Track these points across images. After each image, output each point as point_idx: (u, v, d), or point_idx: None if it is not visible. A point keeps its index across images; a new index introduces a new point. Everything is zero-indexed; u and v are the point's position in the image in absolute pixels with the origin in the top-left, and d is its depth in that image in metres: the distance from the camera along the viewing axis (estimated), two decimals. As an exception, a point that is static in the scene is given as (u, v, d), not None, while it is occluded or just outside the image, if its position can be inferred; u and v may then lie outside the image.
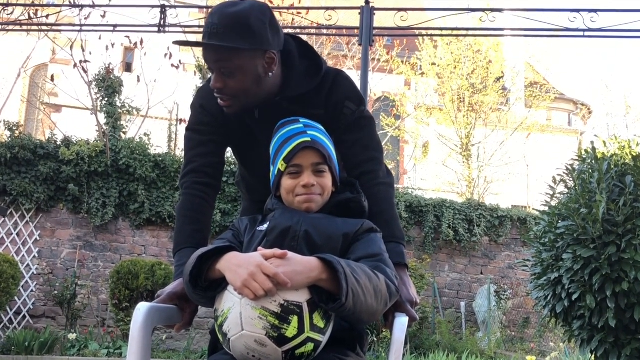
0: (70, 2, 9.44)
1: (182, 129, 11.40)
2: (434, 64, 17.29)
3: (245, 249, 1.85)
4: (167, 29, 7.77)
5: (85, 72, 10.57)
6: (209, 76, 2.12)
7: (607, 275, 3.97)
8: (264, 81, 1.99)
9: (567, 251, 4.21)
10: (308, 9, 9.84)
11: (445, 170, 17.30)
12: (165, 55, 11.00)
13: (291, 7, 10.51)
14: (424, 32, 10.62)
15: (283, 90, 2.04)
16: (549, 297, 4.49)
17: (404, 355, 1.78)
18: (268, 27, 1.94)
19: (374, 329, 8.32)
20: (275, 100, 2.04)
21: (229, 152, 2.39)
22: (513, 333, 11.42)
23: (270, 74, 1.99)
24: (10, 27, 9.12)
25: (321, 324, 1.57)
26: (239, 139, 2.19)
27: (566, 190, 4.71)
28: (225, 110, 2.03)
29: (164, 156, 10.54)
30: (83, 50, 10.50)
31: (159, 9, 7.66)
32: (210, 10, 1.96)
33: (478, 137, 17.19)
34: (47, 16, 9.33)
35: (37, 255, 9.87)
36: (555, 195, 4.80)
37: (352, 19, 7.82)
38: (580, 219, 4.14)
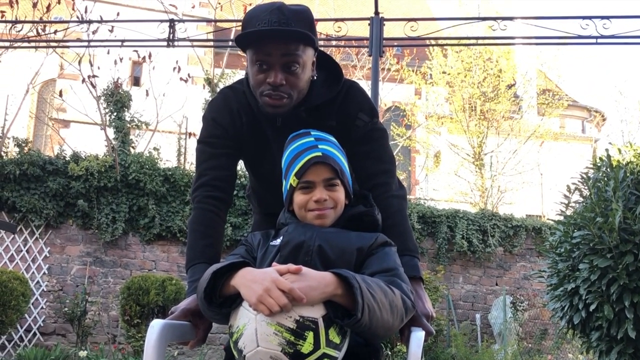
0: (78, 17, 9.44)
1: (191, 143, 11.39)
2: (444, 72, 17.17)
3: (258, 264, 1.84)
4: (175, 43, 7.72)
5: (94, 87, 10.58)
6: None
7: (625, 285, 3.91)
8: (309, 83, 2.02)
9: (584, 261, 4.16)
10: (317, 20, 9.75)
11: (458, 180, 17.14)
12: (174, 69, 11.00)
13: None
14: (434, 41, 10.52)
15: (306, 100, 2.04)
16: (566, 308, 4.44)
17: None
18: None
19: (388, 343, 8.20)
20: (298, 110, 2.03)
21: (239, 165, 2.36)
22: (530, 345, 11.22)
23: (315, 76, 2.04)
24: (19, 44, 9.12)
25: (337, 340, 1.56)
26: (252, 150, 2.18)
27: (581, 199, 4.67)
28: (273, 111, 2.00)
29: (174, 170, 10.52)
30: (91, 65, 10.52)
31: (168, 24, 7.61)
32: (262, 7, 1.95)
33: (490, 146, 17.02)
34: (55, 32, 9.31)
35: (46, 272, 9.85)
36: (570, 204, 4.76)
37: (362, 29, 7.74)
38: (596, 228, 4.08)
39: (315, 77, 2.05)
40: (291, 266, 1.56)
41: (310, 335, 1.51)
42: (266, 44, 1.91)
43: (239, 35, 1.93)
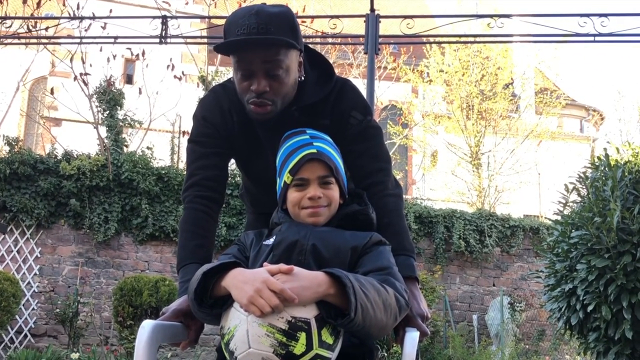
0: (69, 14, 9.31)
1: (185, 141, 11.26)
2: (441, 71, 17.10)
3: (251, 264, 1.83)
4: (168, 39, 7.61)
5: (86, 84, 10.48)
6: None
7: (623, 285, 3.91)
8: (296, 85, 2.00)
9: (581, 261, 4.17)
10: (313, 17, 9.68)
11: (455, 180, 17.10)
12: (167, 66, 10.91)
13: (296, 16, 10.34)
14: (431, 39, 10.44)
15: (297, 100, 2.03)
16: (563, 309, 4.46)
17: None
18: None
19: (384, 344, 8.14)
20: (290, 109, 2.02)
21: (233, 164, 2.34)
22: (527, 346, 11.16)
23: (302, 77, 2.02)
24: (9, 41, 9.00)
25: (330, 340, 1.55)
26: (244, 150, 2.18)
27: (579, 199, 4.69)
28: (259, 117, 1.98)
29: (167, 169, 10.45)
30: (83, 63, 10.42)
31: (160, 20, 7.50)
32: (240, 12, 1.91)
33: (488, 145, 16.98)
34: (46, 28, 9.17)
35: (38, 273, 9.75)
36: (568, 204, 4.79)
37: (358, 27, 7.66)
38: (594, 228, 4.09)
39: (302, 78, 2.03)
40: (282, 266, 1.54)
41: (302, 336, 1.49)
42: (246, 52, 1.89)
43: (217, 46, 1.92)
